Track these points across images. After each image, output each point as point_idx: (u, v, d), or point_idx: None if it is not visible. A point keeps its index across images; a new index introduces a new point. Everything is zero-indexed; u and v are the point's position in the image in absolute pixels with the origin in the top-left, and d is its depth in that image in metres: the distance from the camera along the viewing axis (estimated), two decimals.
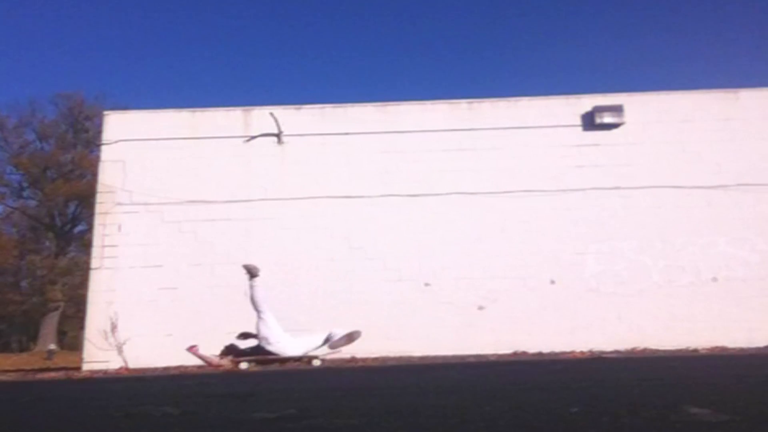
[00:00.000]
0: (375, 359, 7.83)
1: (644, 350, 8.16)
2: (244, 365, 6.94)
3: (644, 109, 9.83)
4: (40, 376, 7.26)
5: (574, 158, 9.67)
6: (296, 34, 57.62)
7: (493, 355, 7.97)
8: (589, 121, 9.76)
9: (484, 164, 9.67)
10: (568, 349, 8.23)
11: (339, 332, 7.39)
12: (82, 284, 15.72)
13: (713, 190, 9.42)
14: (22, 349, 28.61)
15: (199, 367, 6.95)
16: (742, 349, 7.60)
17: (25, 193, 29.97)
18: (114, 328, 8.30)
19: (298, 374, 4.97)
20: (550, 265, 9.29)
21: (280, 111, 9.87)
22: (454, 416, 1.68)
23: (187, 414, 1.93)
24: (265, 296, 7.45)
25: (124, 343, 8.15)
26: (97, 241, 9.50)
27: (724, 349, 7.87)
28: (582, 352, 7.94)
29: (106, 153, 9.86)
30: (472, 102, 10.13)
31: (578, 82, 58.26)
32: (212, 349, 7.29)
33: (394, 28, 59.50)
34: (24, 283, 29.67)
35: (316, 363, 7.07)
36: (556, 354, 7.88)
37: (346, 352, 8.40)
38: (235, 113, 10.12)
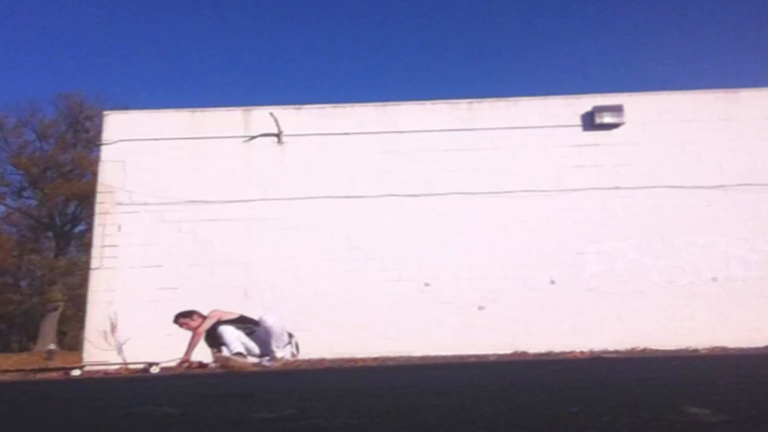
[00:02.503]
0: (375, 359, 7.83)
1: (644, 350, 8.16)
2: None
3: (644, 109, 9.83)
4: (39, 375, 7.26)
5: (573, 158, 9.67)
6: (296, 34, 57.65)
7: (493, 355, 7.97)
8: (589, 121, 9.76)
9: (484, 164, 9.67)
10: (568, 349, 8.24)
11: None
12: (82, 284, 15.73)
13: (713, 190, 9.42)
14: (22, 349, 28.60)
15: (200, 367, 6.94)
16: (741, 349, 7.61)
17: (24, 193, 29.98)
18: (114, 328, 8.30)
19: (299, 374, 4.98)
20: (550, 265, 9.29)
21: (280, 111, 9.87)
22: (454, 416, 1.68)
23: (187, 414, 1.93)
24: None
25: (124, 343, 8.15)
26: (96, 241, 9.50)
27: (724, 349, 7.87)
28: (582, 352, 7.94)
29: (106, 153, 9.86)
30: (471, 102, 10.13)
31: (578, 82, 58.33)
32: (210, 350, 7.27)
33: (394, 28, 59.51)
34: (24, 283, 29.67)
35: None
36: (556, 354, 7.88)
37: (345, 352, 8.41)
38: (235, 113, 10.12)
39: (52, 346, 22.67)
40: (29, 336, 30.97)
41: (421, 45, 59.11)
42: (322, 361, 7.72)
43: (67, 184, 27.80)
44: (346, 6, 57.57)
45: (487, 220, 9.45)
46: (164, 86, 51.47)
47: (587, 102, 9.86)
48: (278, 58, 57.87)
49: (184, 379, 4.66)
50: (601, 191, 9.52)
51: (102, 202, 9.62)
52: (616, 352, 8.00)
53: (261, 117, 9.88)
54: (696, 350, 7.84)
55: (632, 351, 8.13)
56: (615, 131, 9.74)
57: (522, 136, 9.78)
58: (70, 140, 30.11)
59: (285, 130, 9.80)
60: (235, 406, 2.12)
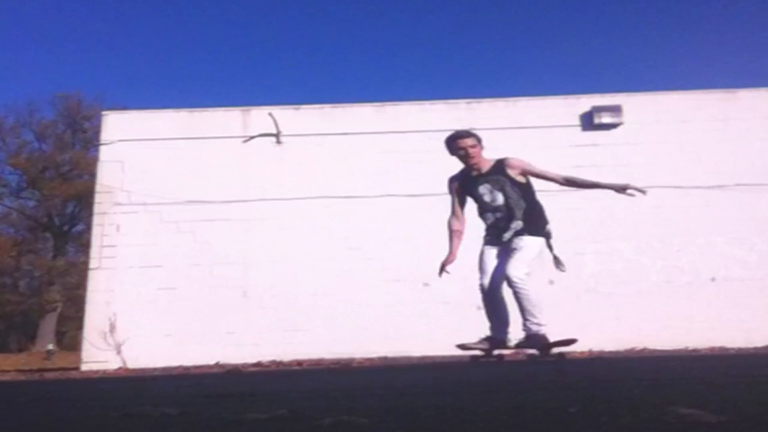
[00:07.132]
0: (374, 359, 7.82)
1: (643, 350, 8.16)
2: None
3: (643, 109, 9.84)
4: (38, 376, 7.25)
5: (572, 158, 9.65)
6: (295, 34, 57.65)
7: (491, 354, 7.94)
8: (588, 121, 9.77)
9: None
10: (566, 349, 8.22)
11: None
12: (80, 284, 15.71)
13: (712, 190, 9.43)
14: (21, 350, 28.59)
15: (197, 368, 6.95)
16: (740, 349, 7.61)
17: (23, 194, 29.96)
18: (112, 328, 8.30)
19: (299, 374, 4.97)
20: (549, 266, 9.27)
21: (278, 111, 9.87)
22: (454, 416, 1.68)
23: (186, 414, 1.92)
24: None
25: (122, 344, 8.15)
26: (95, 241, 9.49)
27: (722, 349, 7.87)
28: (581, 352, 7.93)
29: (105, 153, 9.86)
30: (470, 102, 10.13)
31: (577, 82, 58.43)
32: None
33: (393, 28, 59.55)
34: (22, 284, 29.66)
35: None
36: (555, 354, 7.86)
37: (344, 352, 8.40)
38: (233, 113, 10.12)
39: (51, 347, 22.67)
40: (28, 336, 30.94)
41: (420, 45, 59.17)
42: (320, 361, 7.71)
43: (65, 184, 27.82)
44: (346, 6, 57.59)
45: None
46: (163, 86, 51.55)
47: (586, 102, 9.87)
48: (277, 58, 57.96)
49: (183, 380, 4.66)
50: (600, 191, 9.50)
51: (100, 202, 9.62)
52: (615, 352, 8.00)
53: (259, 117, 9.88)
54: (696, 350, 7.84)
55: (631, 351, 8.13)
56: (614, 131, 9.74)
57: (521, 136, 9.77)
58: (68, 140, 30.13)
59: (284, 130, 9.80)
60: (234, 407, 2.11)
